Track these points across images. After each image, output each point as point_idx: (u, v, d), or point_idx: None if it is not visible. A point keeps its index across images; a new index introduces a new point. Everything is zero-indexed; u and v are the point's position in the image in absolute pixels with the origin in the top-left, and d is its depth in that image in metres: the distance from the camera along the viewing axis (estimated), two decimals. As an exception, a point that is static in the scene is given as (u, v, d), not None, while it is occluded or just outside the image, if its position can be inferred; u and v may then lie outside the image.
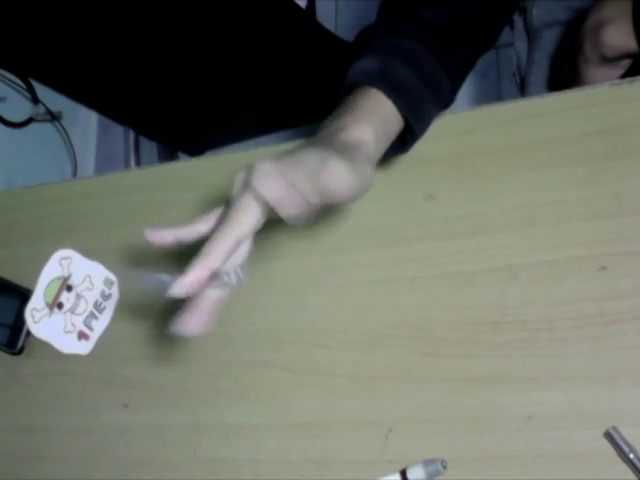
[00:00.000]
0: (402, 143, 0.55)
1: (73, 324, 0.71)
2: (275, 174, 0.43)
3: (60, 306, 0.72)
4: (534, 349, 0.52)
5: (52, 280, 0.73)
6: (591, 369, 0.50)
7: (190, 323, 0.47)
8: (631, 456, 0.47)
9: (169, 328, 0.67)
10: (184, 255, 0.69)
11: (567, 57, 0.73)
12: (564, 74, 0.75)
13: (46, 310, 0.72)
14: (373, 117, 0.50)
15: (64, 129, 1.78)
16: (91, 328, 0.70)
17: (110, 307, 0.70)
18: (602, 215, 0.53)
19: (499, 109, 0.59)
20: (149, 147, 1.88)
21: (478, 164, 0.58)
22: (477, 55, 0.60)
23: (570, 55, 0.70)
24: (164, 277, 0.46)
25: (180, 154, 1.87)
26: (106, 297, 0.71)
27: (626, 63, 0.66)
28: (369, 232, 0.61)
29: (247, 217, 0.44)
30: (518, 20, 0.87)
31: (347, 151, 0.47)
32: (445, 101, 0.58)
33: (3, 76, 1.61)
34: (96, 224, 0.74)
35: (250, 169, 0.45)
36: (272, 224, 0.65)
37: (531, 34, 0.84)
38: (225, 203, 0.48)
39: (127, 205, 0.74)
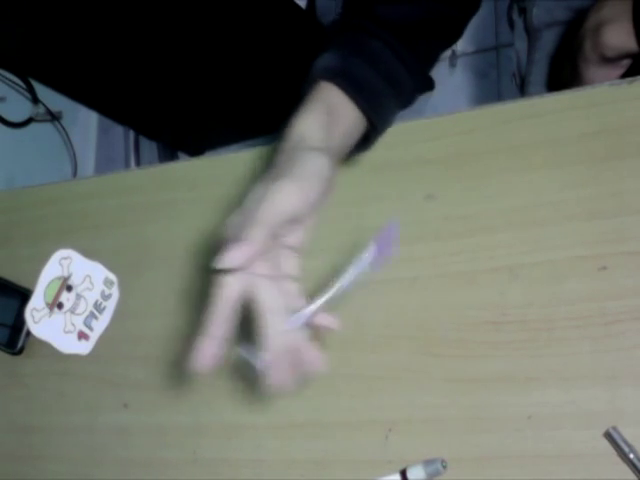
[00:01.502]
0: (366, 141, 0.56)
1: (73, 324, 0.71)
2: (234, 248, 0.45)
3: (60, 306, 0.72)
4: (534, 349, 0.52)
5: (52, 280, 0.73)
6: (591, 369, 0.50)
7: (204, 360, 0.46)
8: (631, 456, 0.47)
9: (170, 328, 0.68)
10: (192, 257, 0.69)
11: (567, 57, 0.73)
12: (564, 74, 0.75)
13: (46, 310, 0.72)
14: (320, 109, 0.51)
15: (64, 129, 1.78)
16: (91, 328, 0.70)
17: (110, 307, 0.70)
18: (602, 215, 0.53)
19: (499, 109, 0.59)
20: (149, 147, 1.88)
21: (478, 164, 0.58)
22: (438, 52, 0.61)
23: (570, 55, 0.70)
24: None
25: (180, 154, 1.87)
26: (106, 297, 0.71)
27: (626, 63, 0.66)
28: (369, 232, 0.61)
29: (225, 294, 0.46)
30: (518, 20, 0.87)
31: (289, 164, 0.48)
32: (407, 99, 0.58)
33: (3, 76, 1.61)
34: (96, 224, 0.74)
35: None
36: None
37: (531, 34, 0.83)
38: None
39: (127, 205, 0.74)
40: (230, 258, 0.45)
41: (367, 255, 0.48)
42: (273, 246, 0.47)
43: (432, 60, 0.60)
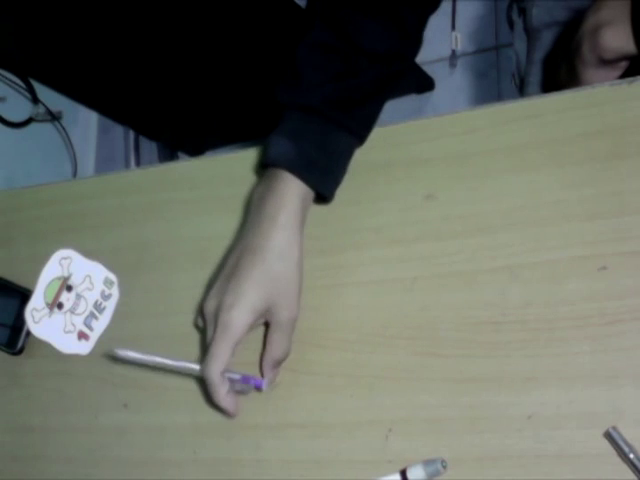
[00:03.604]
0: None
1: (73, 324, 0.71)
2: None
3: (60, 306, 0.72)
4: (534, 349, 0.52)
5: (52, 280, 0.73)
6: (591, 369, 0.50)
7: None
8: (631, 456, 0.47)
9: (170, 328, 0.68)
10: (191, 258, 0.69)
11: (564, 58, 0.73)
12: (561, 75, 0.75)
13: (46, 310, 0.72)
14: (297, 211, 0.59)
15: (64, 129, 1.78)
16: (91, 328, 0.70)
17: (110, 307, 0.70)
18: (602, 215, 0.53)
19: (499, 109, 0.59)
20: (149, 147, 1.88)
21: (478, 164, 0.58)
22: (425, 17, 0.65)
23: (567, 56, 0.70)
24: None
25: (180, 154, 1.87)
26: (106, 297, 0.71)
27: (624, 65, 0.66)
28: (369, 232, 0.61)
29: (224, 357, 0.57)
30: (518, 20, 0.87)
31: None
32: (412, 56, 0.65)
33: (3, 76, 1.61)
34: (96, 224, 0.74)
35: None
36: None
37: (531, 34, 0.83)
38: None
39: (127, 205, 0.74)
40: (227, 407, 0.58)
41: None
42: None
43: (422, 26, 0.65)
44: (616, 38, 0.63)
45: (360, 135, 0.62)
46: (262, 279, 0.56)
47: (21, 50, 1.53)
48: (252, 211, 0.60)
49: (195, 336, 0.65)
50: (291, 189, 0.58)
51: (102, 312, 0.70)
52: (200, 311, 0.61)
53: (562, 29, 0.80)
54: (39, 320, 0.72)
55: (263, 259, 0.57)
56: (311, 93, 0.60)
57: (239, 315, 0.56)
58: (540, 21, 0.82)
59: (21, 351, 0.73)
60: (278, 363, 0.59)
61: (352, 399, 0.57)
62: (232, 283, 0.57)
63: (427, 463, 0.51)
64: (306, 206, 0.60)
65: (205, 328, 0.60)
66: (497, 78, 1.55)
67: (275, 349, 0.58)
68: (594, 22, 0.65)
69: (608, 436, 0.48)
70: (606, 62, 0.65)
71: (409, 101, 1.56)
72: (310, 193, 0.60)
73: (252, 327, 0.58)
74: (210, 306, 0.58)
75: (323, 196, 0.61)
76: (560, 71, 0.76)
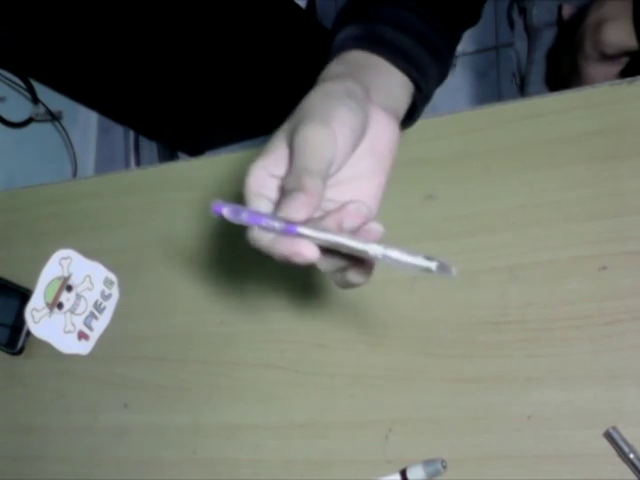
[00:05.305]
0: (412, 110, 0.52)
1: (73, 324, 0.71)
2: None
3: (60, 306, 0.72)
4: (534, 349, 0.52)
5: (52, 280, 0.73)
6: (591, 369, 0.50)
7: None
8: (631, 456, 0.47)
9: (170, 328, 0.68)
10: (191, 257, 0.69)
11: (566, 53, 0.73)
12: (563, 70, 0.76)
13: (46, 310, 0.72)
14: (341, 63, 0.49)
15: (64, 129, 1.78)
16: (91, 328, 0.70)
17: (110, 307, 0.70)
18: (602, 215, 0.53)
19: (499, 109, 0.59)
20: (149, 147, 1.88)
21: (478, 164, 0.58)
22: (460, 31, 0.59)
23: (569, 51, 0.71)
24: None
25: (180, 154, 1.87)
26: (106, 297, 0.71)
27: (625, 60, 0.66)
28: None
29: None
30: (518, 20, 0.87)
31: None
32: (445, 69, 0.56)
33: (3, 76, 1.61)
34: (96, 224, 0.74)
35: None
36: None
37: (531, 34, 0.84)
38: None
39: (127, 205, 0.74)
40: (299, 211, 0.39)
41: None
42: None
43: (457, 40, 0.58)
44: (618, 34, 0.63)
45: (437, 29, 0.52)
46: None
47: (21, 50, 1.53)
48: None
49: (195, 336, 0.65)
50: (360, 61, 0.48)
51: (102, 312, 0.70)
52: None
53: (564, 26, 0.80)
54: (39, 320, 0.72)
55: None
56: None
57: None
58: (541, 21, 0.82)
59: (21, 351, 0.73)
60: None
61: (352, 399, 0.57)
62: None
63: (427, 463, 0.51)
64: (390, 85, 0.48)
65: None
66: (497, 78, 1.55)
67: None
68: (596, 18, 0.65)
69: (608, 436, 0.48)
70: (607, 57, 0.65)
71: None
72: (395, 75, 0.49)
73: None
74: None
75: (416, 83, 0.50)
76: (562, 66, 0.76)
